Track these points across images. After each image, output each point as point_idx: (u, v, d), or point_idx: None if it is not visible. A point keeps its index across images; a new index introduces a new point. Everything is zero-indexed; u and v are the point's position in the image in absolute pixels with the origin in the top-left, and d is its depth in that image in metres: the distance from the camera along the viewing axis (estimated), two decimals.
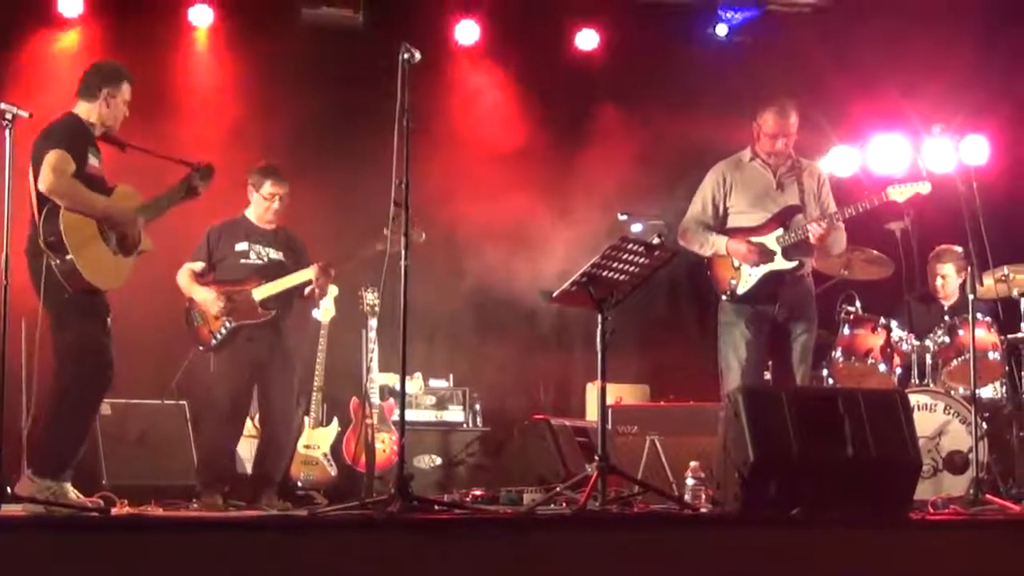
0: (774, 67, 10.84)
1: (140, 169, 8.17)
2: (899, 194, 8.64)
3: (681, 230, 8.85)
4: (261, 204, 9.12)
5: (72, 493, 7.46)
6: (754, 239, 8.67)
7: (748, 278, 8.66)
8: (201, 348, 9.13)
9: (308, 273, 8.96)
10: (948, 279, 10.25)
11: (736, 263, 8.69)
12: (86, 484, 8.11)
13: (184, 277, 9.09)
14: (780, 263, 8.64)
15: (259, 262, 9.06)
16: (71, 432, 7.56)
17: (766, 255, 8.62)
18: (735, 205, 8.82)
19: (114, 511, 7.62)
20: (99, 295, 7.58)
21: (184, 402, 9.84)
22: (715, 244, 8.74)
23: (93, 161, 7.63)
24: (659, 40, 11.74)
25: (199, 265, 9.10)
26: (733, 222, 8.83)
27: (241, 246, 9.08)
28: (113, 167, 7.93)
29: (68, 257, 7.29)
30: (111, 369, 7.66)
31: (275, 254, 9.11)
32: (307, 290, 9.00)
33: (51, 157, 7.28)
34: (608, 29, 11.99)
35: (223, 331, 8.93)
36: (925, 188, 8.69)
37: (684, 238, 8.81)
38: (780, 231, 8.66)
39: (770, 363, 8.97)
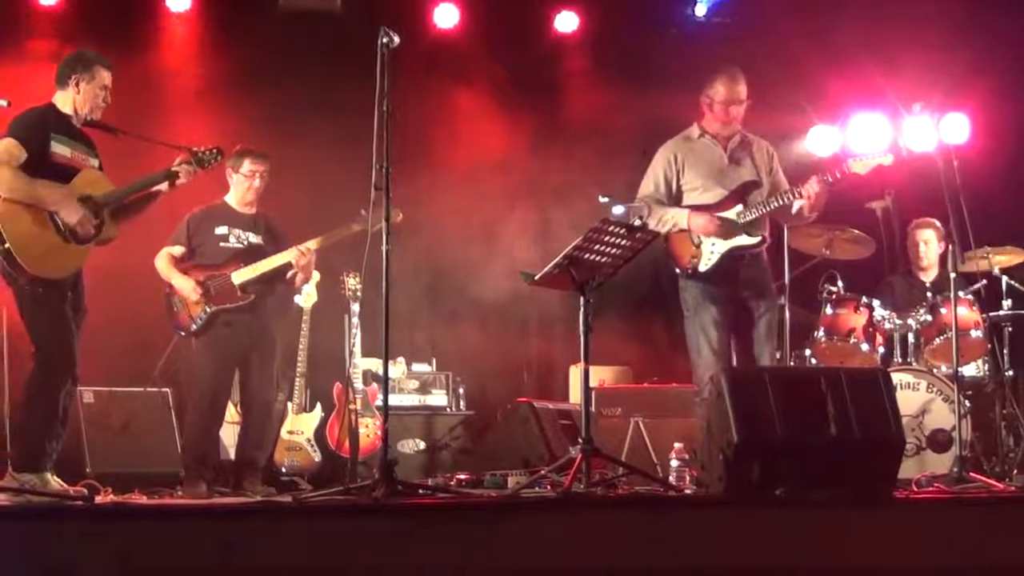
0: (753, 46, 10.81)
1: (160, 156, 8.20)
2: (861, 166, 8.51)
3: (634, 210, 8.76)
4: (242, 184, 9.10)
5: (55, 483, 7.45)
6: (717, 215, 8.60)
7: (710, 256, 8.54)
8: (181, 333, 9.12)
9: (287, 255, 8.95)
10: (929, 244, 10.23)
11: (696, 240, 8.55)
12: (69, 473, 8.12)
13: (163, 262, 9.07)
14: (743, 239, 8.54)
15: (239, 246, 9.05)
16: (36, 423, 7.55)
17: (729, 228, 8.54)
18: (689, 182, 8.69)
19: (98, 499, 7.61)
20: (56, 284, 7.54)
21: (167, 389, 9.83)
22: (676, 218, 8.59)
23: (60, 149, 7.64)
24: (638, 21, 11.73)
25: (178, 249, 9.08)
26: (688, 200, 8.69)
27: (221, 230, 9.07)
28: (124, 154, 7.98)
29: (5, 246, 7.29)
30: (71, 359, 7.62)
31: (255, 238, 9.09)
32: (289, 274, 9.00)
33: None
34: (587, 10, 11.97)
35: (203, 316, 8.91)
36: (887, 159, 8.55)
37: (641, 216, 8.69)
38: (740, 207, 8.56)
39: (733, 343, 8.88)
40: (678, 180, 8.69)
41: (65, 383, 7.62)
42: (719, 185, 8.62)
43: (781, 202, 8.50)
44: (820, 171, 8.55)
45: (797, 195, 8.46)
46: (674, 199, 8.68)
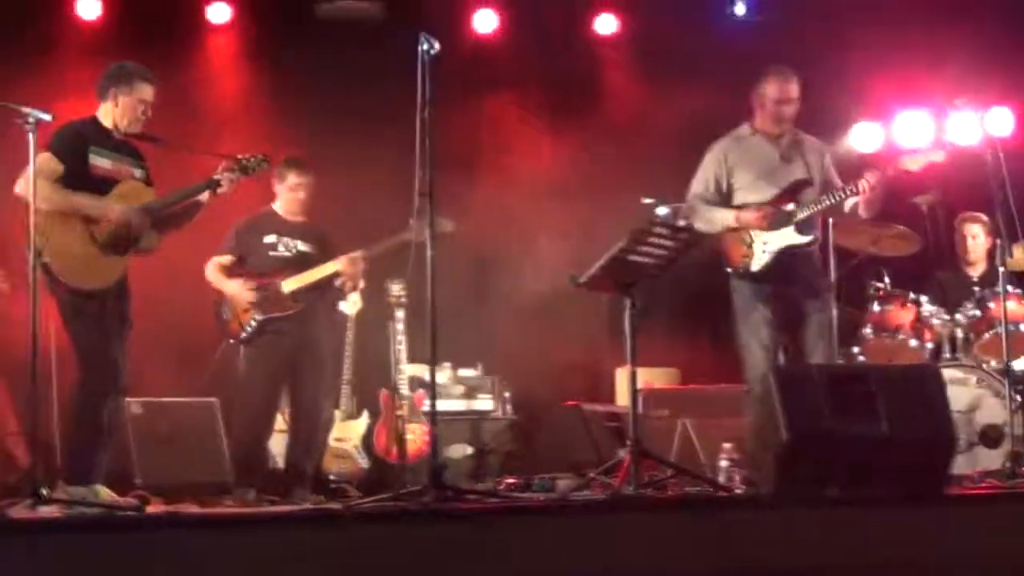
0: (793, 44, 10.76)
1: (206, 166, 8.23)
2: (913, 163, 8.48)
3: (684, 210, 8.74)
4: (286, 196, 9.14)
5: (105, 494, 7.48)
6: None
7: (762, 255, 8.47)
8: (231, 341, 9.15)
9: (337, 264, 8.96)
10: (977, 238, 10.16)
11: (748, 240, 8.49)
12: (119, 484, 8.14)
13: (213, 270, 9.11)
14: (795, 238, 8.47)
15: (287, 254, 9.07)
16: (83, 435, 7.58)
17: (780, 220, 8.48)
18: (740, 181, 8.61)
19: (149, 510, 7.64)
20: (95, 295, 7.57)
21: (215, 399, 9.84)
22: (724, 218, 8.53)
23: (99, 162, 7.70)
24: (678, 21, 11.70)
25: (227, 258, 9.12)
26: (740, 198, 8.60)
27: (269, 239, 9.09)
28: (171, 165, 8.15)
29: (44, 259, 7.33)
30: (114, 371, 7.66)
31: (303, 246, 9.10)
32: (338, 282, 9.01)
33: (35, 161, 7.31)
34: (627, 12, 11.96)
35: (252, 324, 8.93)
36: (939, 156, 8.52)
37: (689, 217, 8.68)
38: (792, 206, 8.54)
39: (784, 343, 8.84)
40: (728, 179, 8.63)
41: (109, 394, 7.65)
42: (771, 184, 8.55)
43: (833, 200, 8.44)
44: (872, 169, 8.50)
45: (851, 192, 8.40)
46: (725, 198, 8.62)
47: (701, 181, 8.68)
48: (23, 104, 7.01)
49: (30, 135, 6.98)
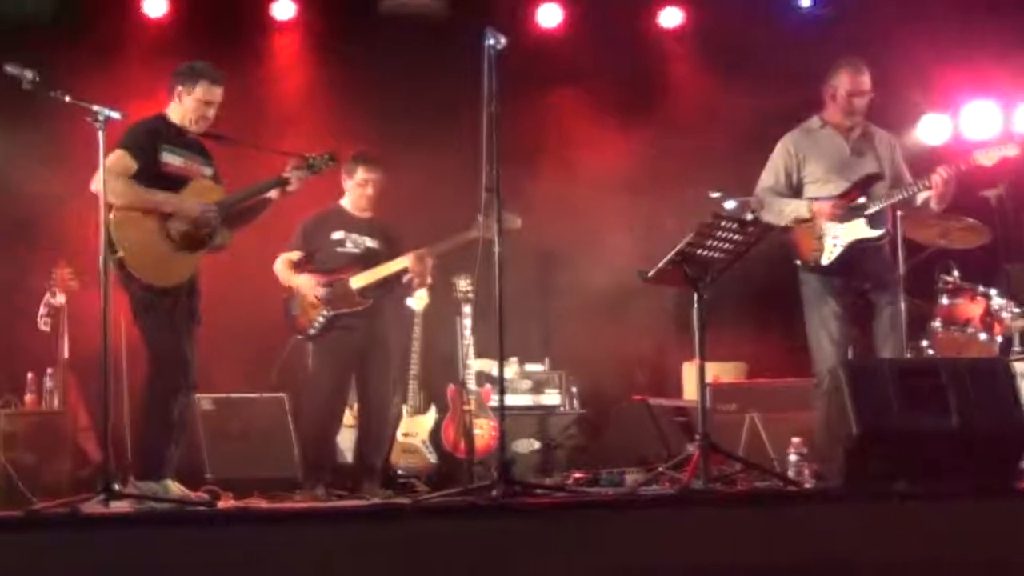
0: (859, 35, 10.71)
1: (274, 164, 8.29)
2: (986, 158, 8.41)
3: (754, 202, 8.69)
4: (355, 191, 9.16)
5: (176, 489, 7.54)
6: None
7: (832, 249, 8.41)
8: (300, 337, 9.20)
9: (404, 261, 8.97)
10: None
11: (819, 233, 8.43)
12: (190, 479, 8.21)
13: (282, 266, 9.14)
14: (866, 231, 8.42)
15: (355, 251, 9.09)
16: (153, 431, 7.64)
17: (852, 213, 8.43)
18: (810, 174, 8.57)
19: (220, 505, 7.71)
20: (168, 292, 7.63)
21: (283, 395, 9.89)
22: (796, 209, 8.48)
23: (171, 159, 7.77)
24: (743, 13, 11.64)
25: (296, 255, 9.14)
26: (809, 192, 8.57)
27: (337, 235, 9.10)
28: (239, 163, 8.23)
29: (118, 255, 7.38)
30: (185, 367, 7.72)
31: (371, 242, 9.12)
32: (405, 278, 9.04)
33: (109, 158, 7.35)
34: (691, 5, 11.93)
35: (321, 320, 8.96)
36: (1013, 151, 8.45)
37: (759, 210, 8.64)
38: (863, 199, 8.49)
39: (855, 337, 8.80)
40: (799, 172, 8.59)
41: (179, 390, 7.71)
42: (841, 177, 8.50)
43: (905, 194, 8.39)
44: (945, 163, 8.44)
45: (923, 187, 8.34)
46: (795, 191, 8.58)
47: (771, 173, 8.65)
48: (93, 102, 7.07)
49: (100, 133, 7.05)
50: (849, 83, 8.53)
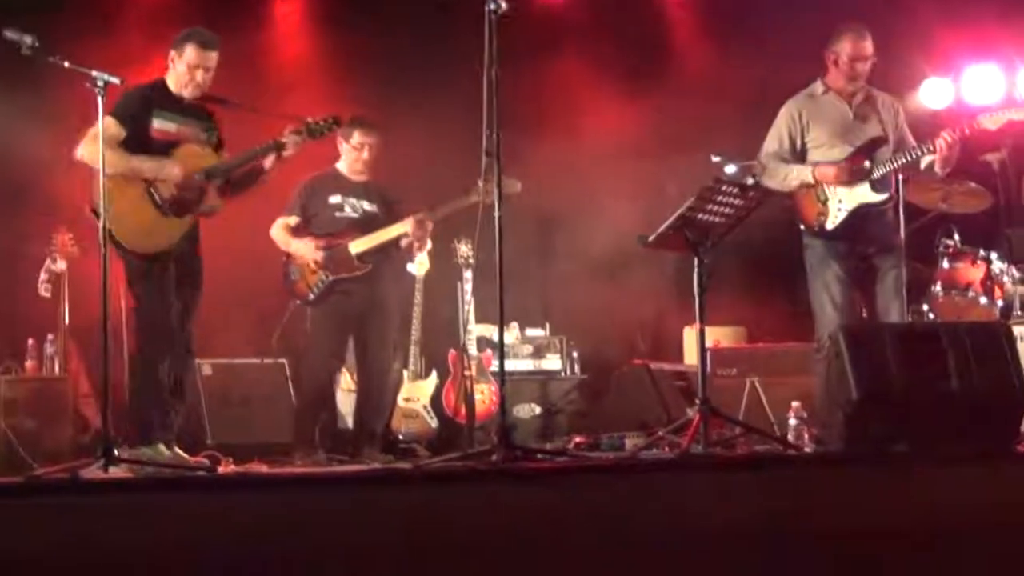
0: (861, 0, 10.68)
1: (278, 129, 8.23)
2: (991, 122, 8.40)
3: (758, 167, 8.69)
4: (351, 155, 9.13)
5: (166, 453, 7.56)
6: None
7: (837, 213, 8.43)
8: (299, 302, 9.20)
9: (404, 226, 8.96)
10: None
11: (822, 197, 8.45)
12: (191, 444, 8.22)
13: (280, 231, 9.11)
14: (870, 196, 8.43)
15: (354, 215, 9.07)
16: (140, 396, 7.65)
17: (857, 173, 8.42)
18: (814, 139, 8.57)
19: (220, 470, 7.72)
20: (157, 258, 7.62)
21: (284, 360, 9.90)
22: (800, 174, 8.47)
23: (163, 125, 7.79)
24: None
25: (293, 219, 9.11)
26: (814, 156, 8.56)
27: (335, 199, 9.09)
28: (244, 128, 8.16)
29: (106, 225, 7.40)
30: (169, 334, 7.75)
31: (369, 206, 9.11)
32: (404, 242, 9.03)
33: (97, 126, 7.35)
34: None
35: (320, 284, 8.95)
36: (1018, 114, 8.45)
37: (763, 175, 8.64)
38: (867, 164, 8.48)
39: (859, 301, 8.82)
40: (803, 137, 8.59)
41: (164, 355, 7.72)
42: (845, 142, 8.50)
43: (909, 158, 8.39)
44: (949, 127, 8.43)
45: (927, 151, 8.34)
46: (798, 156, 8.57)
47: (775, 138, 8.64)
48: (92, 68, 7.07)
49: (99, 98, 7.05)
50: (851, 48, 8.52)
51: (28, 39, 6.94)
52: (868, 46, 8.53)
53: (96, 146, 7.23)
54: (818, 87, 8.69)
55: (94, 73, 7.05)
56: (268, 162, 8.07)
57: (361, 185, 9.16)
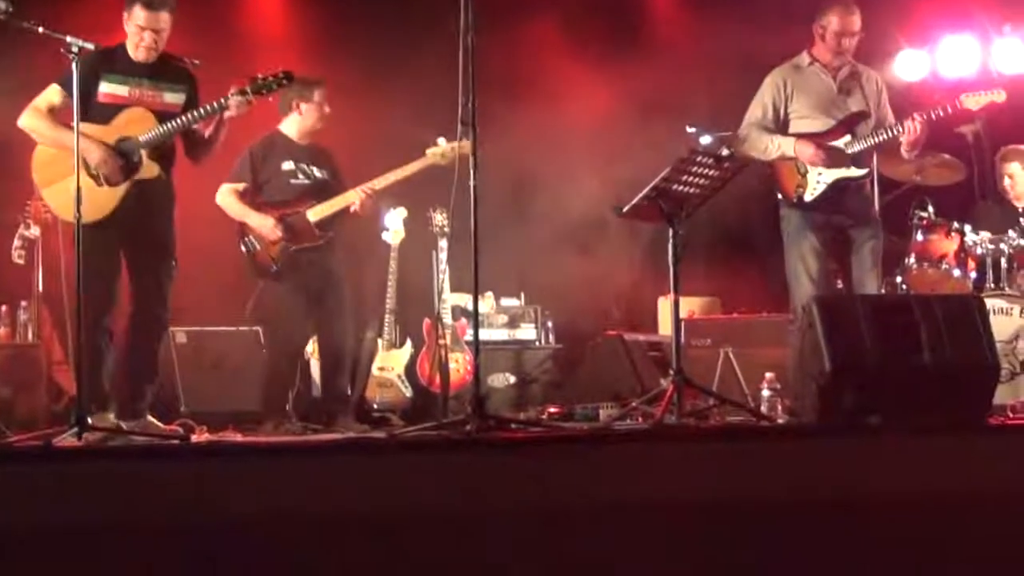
0: None
1: None
2: (973, 102, 8.45)
3: (741, 136, 8.72)
4: (312, 114, 8.91)
5: (111, 420, 7.53)
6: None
7: (816, 185, 8.48)
8: (260, 278, 9.08)
9: (352, 196, 8.85)
10: (1016, 178, 10.07)
11: (802, 169, 8.50)
12: (165, 412, 8.21)
13: (231, 199, 8.93)
14: (850, 171, 8.50)
15: (307, 182, 8.93)
16: (86, 365, 7.54)
17: (836, 158, 8.47)
18: (797, 110, 8.63)
19: (193, 438, 7.71)
20: (94, 227, 7.33)
21: (258, 328, 9.87)
22: (781, 146, 8.53)
23: (112, 89, 7.68)
24: None
25: (242, 185, 8.93)
26: (796, 128, 8.63)
27: (287, 165, 8.92)
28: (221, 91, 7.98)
29: (43, 193, 7.35)
30: (106, 299, 7.67)
31: (319, 173, 8.97)
32: (352, 208, 8.89)
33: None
34: None
35: (282, 255, 8.84)
36: (1000, 96, 8.48)
37: (745, 143, 8.66)
38: (848, 138, 8.52)
39: (835, 273, 8.87)
40: (786, 107, 8.63)
41: (101, 322, 7.62)
42: (827, 115, 8.56)
43: (888, 135, 8.43)
44: (931, 107, 8.46)
45: (901, 132, 8.38)
46: (781, 126, 8.62)
47: (759, 107, 8.68)
48: (67, 33, 7.02)
49: (73, 64, 7.00)
50: (839, 23, 8.56)
51: (2, 4, 6.88)
52: (855, 21, 8.57)
53: (27, 115, 7.27)
54: (804, 58, 8.72)
55: (68, 39, 6.99)
56: (225, 115, 7.83)
57: (307, 149, 9.00)
